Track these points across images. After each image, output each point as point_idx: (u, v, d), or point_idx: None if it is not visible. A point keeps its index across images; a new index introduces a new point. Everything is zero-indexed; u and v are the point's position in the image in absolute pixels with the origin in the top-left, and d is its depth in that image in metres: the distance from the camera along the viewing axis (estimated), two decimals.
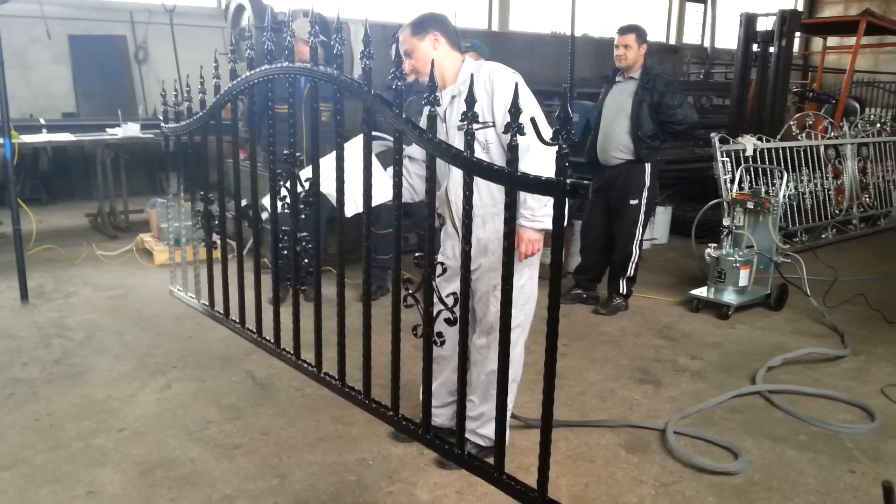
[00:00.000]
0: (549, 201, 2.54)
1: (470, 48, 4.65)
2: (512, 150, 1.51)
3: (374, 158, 2.49)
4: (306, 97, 4.28)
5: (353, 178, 2.14)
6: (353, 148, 2.28)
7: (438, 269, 1.79)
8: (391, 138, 3.05)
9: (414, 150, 2.87)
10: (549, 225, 2.59)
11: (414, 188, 2.87)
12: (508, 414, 2.83)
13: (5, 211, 6.60)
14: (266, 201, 2.65)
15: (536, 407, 3.42)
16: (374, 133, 2.69)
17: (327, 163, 2.27)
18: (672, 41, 16.37)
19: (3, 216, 7.43)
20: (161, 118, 3.19)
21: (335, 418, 3.34)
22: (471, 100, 1.58)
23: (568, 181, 1.39)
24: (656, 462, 3.02)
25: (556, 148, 2.42)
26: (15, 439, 3.12)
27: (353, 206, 2.36)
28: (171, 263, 3.50)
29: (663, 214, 7.11)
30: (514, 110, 1.47)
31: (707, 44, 16.88)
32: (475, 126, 2.46)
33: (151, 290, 5.34)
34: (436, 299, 1.81)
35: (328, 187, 2.29)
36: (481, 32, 12.74)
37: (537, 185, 1.47)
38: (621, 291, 5.03)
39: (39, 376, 3.78)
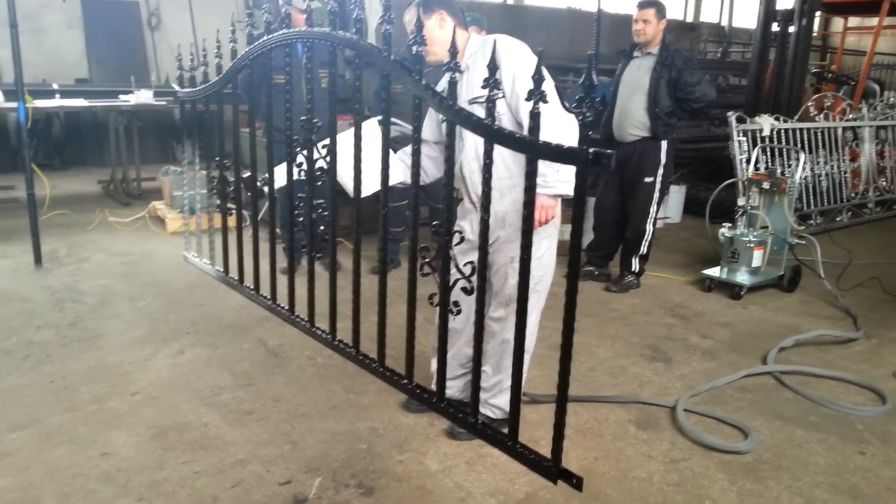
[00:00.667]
0: (561, 167, 2.50)
1: (470, 22, 4.59)
2: (534, 119, 1.49)
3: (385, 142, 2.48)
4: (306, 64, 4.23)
5: (364, 161, 2.12)
6: (365, 130, 2.27)
7: (456, 238, 1.78)
8: (403, 123, 3.03)
9: (425, 132, 2.85)
10: (561, 190, 2.56)
11: (425, 170, 2.86)
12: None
13: (19, 176, 6.63)
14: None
15: (546, 382, 3.43)
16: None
17: (341, 143, 2.25)
18: (689, 19, 16.16)
19: (17, 181, 7.47)
20: (174, 86, 3.17)
21: (346, 388, 3.36)
22: (493, 66, 1.56)
23: (591, 150, 1.37)
24: (666, 439, 3.02)
25: (566, 117, 2.41)
26: (30, 400, 3.16)
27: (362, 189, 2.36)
28: (186, 231, 3.51)
29: (677, 193, 7.06)
30: (538, 77, 1.45)
31: (725, 22, 16.66)
32: (481, 99, 2.45)
33: (164, 258, 5.37)
34: (453, 268, 1.80)
35: (341, 172, 2.29)
36: (496, 6, 12.61)
37: (559, 154, 1.45)
38: (633, 269, 5.01)
39: (54, 339, 3.81)
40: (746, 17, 16.02)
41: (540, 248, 2.73)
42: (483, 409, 2.94)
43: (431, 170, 2.88)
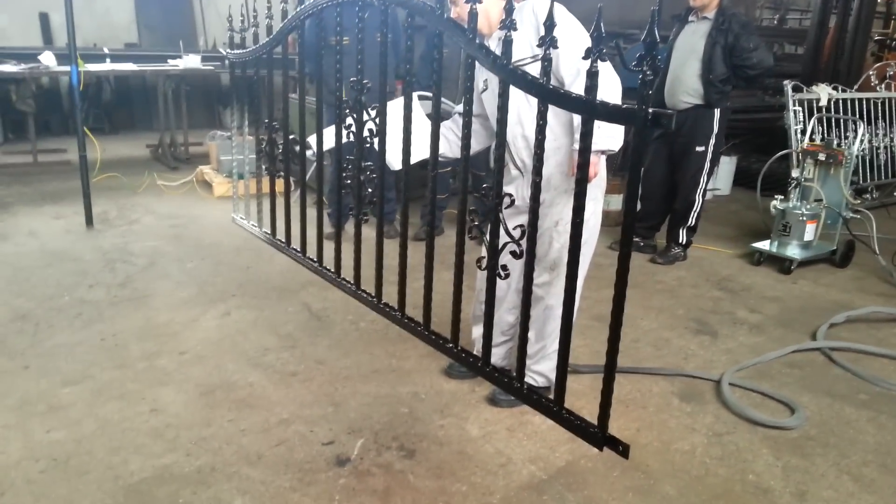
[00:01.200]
0: (602, 124, 2.44)
1: None
2: (591, 78, 1.44)
3: (424, 116, 2.46)
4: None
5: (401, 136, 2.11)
6: (398, 106, 2.26)
7: (506, 201, 1.75)
8: (445, 100, 2.97)
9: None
10: (603, 146, 2.48)
11: None
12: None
13: (71, 139, 6.77)
14: (313, 140, 2.65)
15: (588, 352, 3.40)
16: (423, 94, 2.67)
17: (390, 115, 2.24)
18: None
19: (69, 144, 7.64)
20: (222, 50, 3.18)
21: (389, 353, 3.38)
22: (550, 23, 1.52)
23: (650, 110, 1.32)
24: (710, 412, 2.98)
25: (610, 75, 2.35)
26: (83, 356, 3.25)
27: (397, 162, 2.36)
28: (234, 193, 3.54)
29: (727, 164, 6.90)
30: (598, 35, 1.40)
31: None
32: (526, 60, 2.40)
33: (211, 221, 5.45)
34: (501, 232, 1.78)
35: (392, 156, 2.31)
36: None
37: (617, 114, 1.41)
38: (680, 241, 4.92)
39: (105, 298, 3.91)
40: None
41: (585, 210, 2.67)
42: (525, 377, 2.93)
43: (472, 142, 2.83)
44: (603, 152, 2.56)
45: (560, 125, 2.59)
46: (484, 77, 2.66)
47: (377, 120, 2.14)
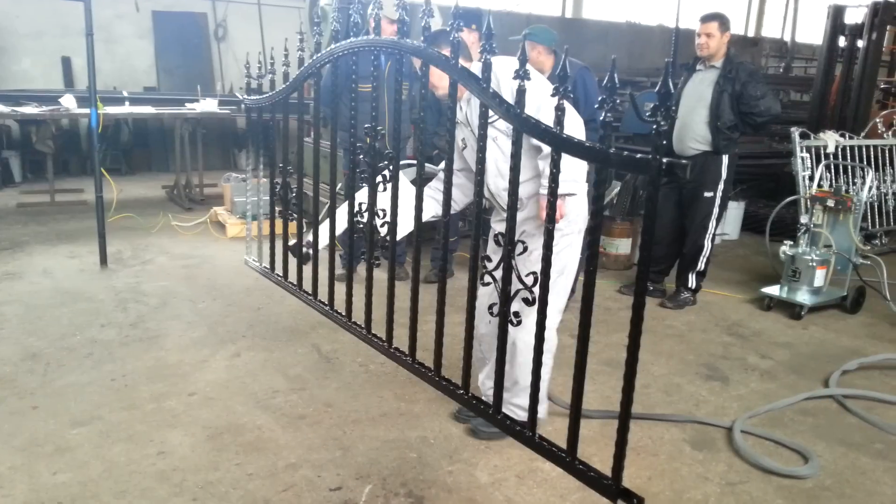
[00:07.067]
0: (567, 167, 2.47)
1: (530, 35, 4.56)
2: (605, 127, 1.47)
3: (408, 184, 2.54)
4: (387, 75, 4.29)
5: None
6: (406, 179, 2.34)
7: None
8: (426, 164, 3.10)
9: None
10: (568, 189, 2.59)
11: (453, 199, 2.88)
12: (544, 387, 2.93)
13: (88, 179, 6.86)
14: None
15: (598, 397, 3.37)
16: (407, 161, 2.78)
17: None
18: (751, 33, 15.86)
19: (86, 184, 7.74)
20: (238, 94, 3.25)
21: (398, 396, 3.36)
22: (563, 74, 1.56)
23: (664, 160, 1.34)
24: (722, 460, 2.94)
25: (574, 118, 2.44)
26: (92, 397, 3.24)
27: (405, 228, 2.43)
28: (247, 236, 3.57)
29: (736, 210, 6.92)
30: (612, 85, 1.43)
31: (787, 37, 16.31)
32: (494, 118, 2.47)
33: (223, 262, 5.49)
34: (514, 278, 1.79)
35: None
36: (554, 20, 12.58)
37: (631, 164, 1.43)
38: (690, 285, 4.91)
39: (116, 338, 3.92)
40: (810, 31, 15.67)
41: (558, 244, 2.69)
42: (506, 410, 2.91)
43: (459, 197, 2.95)
44: (565, 195, 2.65)
45: (533, 168, 2.70)
46: (462, 136, 2.80)
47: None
